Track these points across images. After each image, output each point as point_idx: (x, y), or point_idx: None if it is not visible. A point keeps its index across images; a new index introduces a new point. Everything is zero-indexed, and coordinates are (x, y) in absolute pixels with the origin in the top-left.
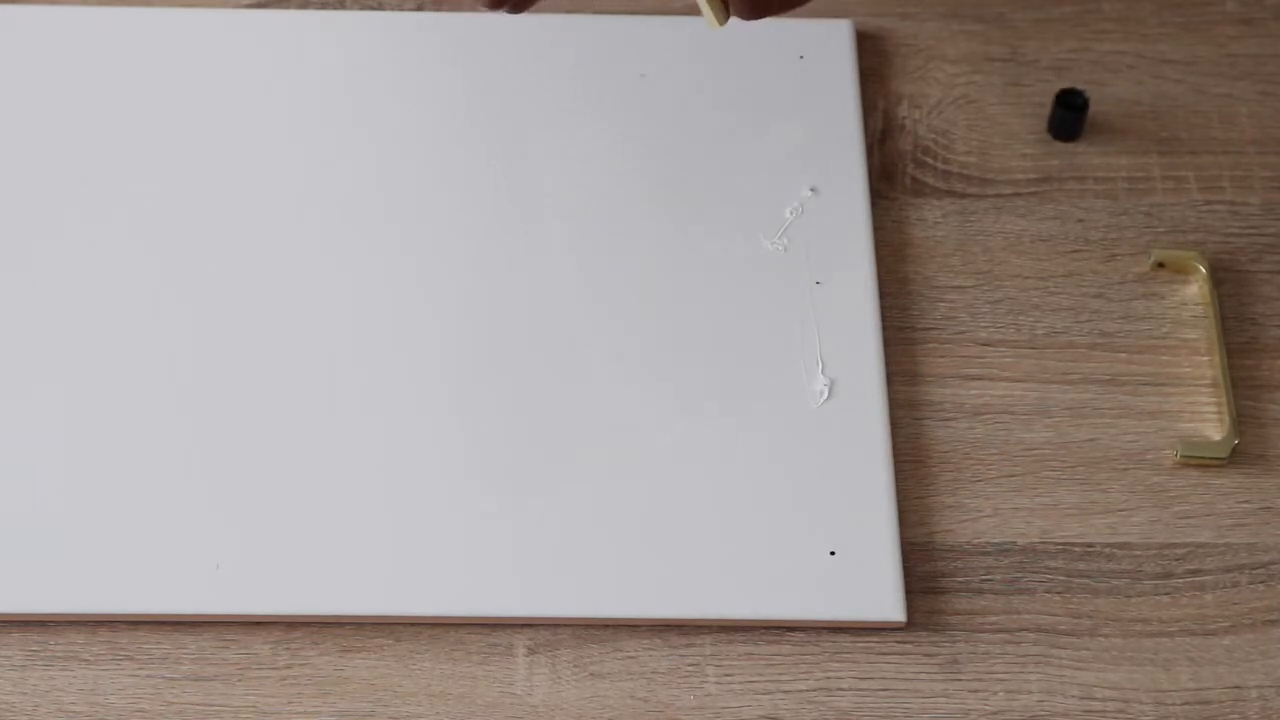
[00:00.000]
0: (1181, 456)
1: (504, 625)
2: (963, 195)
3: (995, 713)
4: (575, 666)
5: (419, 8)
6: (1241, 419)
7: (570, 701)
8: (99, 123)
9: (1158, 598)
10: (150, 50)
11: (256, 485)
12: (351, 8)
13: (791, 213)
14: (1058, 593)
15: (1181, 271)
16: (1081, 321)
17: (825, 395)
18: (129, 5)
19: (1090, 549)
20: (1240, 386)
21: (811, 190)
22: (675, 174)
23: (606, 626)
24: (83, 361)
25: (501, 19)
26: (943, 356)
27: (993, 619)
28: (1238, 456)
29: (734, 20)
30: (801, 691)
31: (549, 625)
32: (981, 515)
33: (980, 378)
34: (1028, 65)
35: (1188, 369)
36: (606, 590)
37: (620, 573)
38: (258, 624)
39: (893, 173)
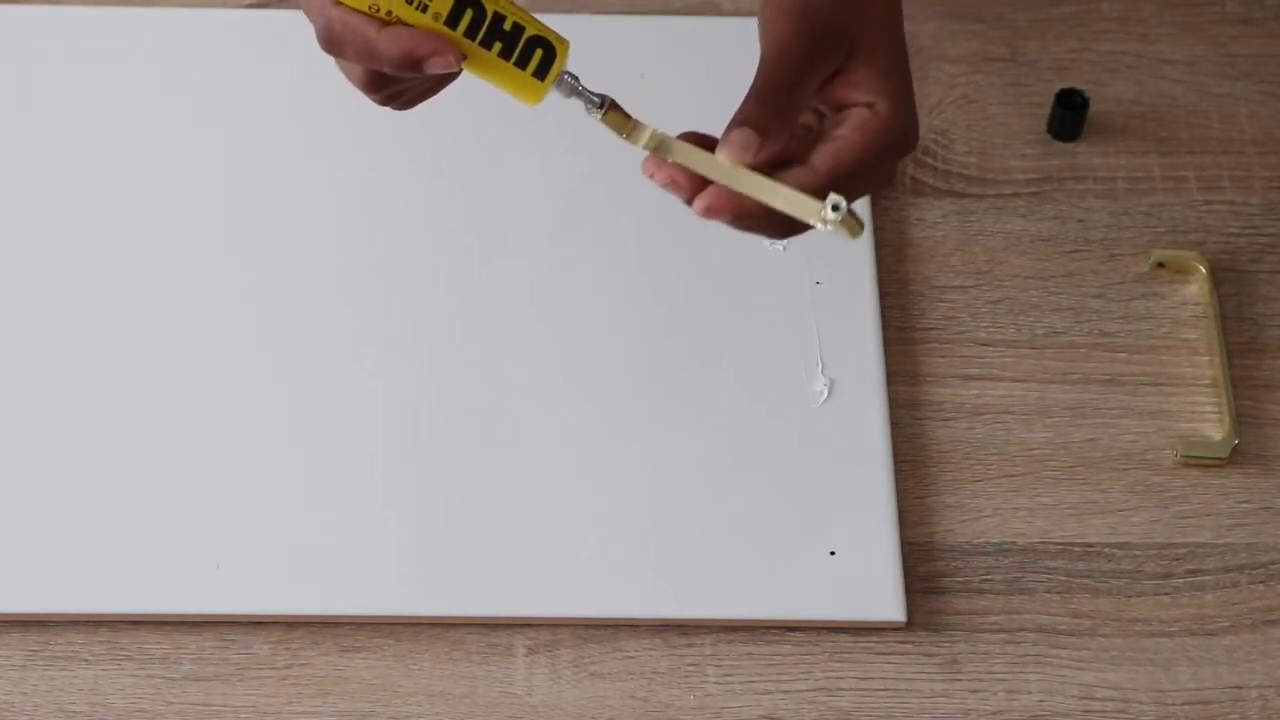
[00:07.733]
0: (1181, 456)
1: (504, 625)
2: (963, 195)
3: (995, 713)
4: (575, 666)
5: None
6: (1241, 419)
7: (570, 701)
8: (99, 122)
9: (1158, 598)
10: (150, 50)
11: (256, 485)
12: None
13: None
14: (1058, 593)
15: (1181, 271)
16: (1081, 321)
17: (825, 395)
18: (129, 5)
19: (1090, 549)
20: (1240, 386)
21: None
22: None
23: (606, 626)
24: (82, 361)
25: None
26: (943, 356)
27: (993, 619)
28: (1238, 456)
29: (732, 16)
30: (801, 691)
31: (549, 625)
32: (981, 515)
33: (980, 378)
34: (1028, 65)
35: (1188, 369)
36: (606, 590)
37: (620, 573)
38: (258, 624)
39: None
